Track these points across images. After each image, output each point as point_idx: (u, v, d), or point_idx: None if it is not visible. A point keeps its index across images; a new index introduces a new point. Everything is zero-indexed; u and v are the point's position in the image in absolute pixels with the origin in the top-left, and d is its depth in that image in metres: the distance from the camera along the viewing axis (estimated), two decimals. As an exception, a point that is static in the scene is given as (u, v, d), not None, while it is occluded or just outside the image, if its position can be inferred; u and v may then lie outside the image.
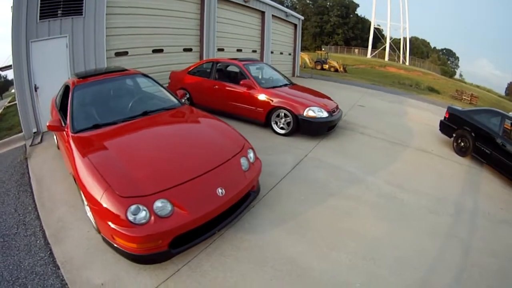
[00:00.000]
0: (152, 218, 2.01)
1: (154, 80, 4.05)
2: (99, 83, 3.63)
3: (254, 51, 12.11)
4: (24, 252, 2.49)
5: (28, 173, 3.94)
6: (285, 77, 6.39)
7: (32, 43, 4.94)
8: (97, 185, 2.13)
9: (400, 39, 48.08)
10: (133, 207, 1.99)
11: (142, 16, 6.71)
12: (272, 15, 12.57)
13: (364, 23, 53.49)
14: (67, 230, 2.73)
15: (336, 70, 25.44)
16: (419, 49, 53.22)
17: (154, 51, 7.24)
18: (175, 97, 3.86)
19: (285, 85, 5.84)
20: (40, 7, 4.88)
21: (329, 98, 5.78)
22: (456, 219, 3.15)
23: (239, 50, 10.95)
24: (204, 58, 8.53)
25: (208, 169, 2.42)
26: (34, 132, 5.25)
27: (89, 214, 2.58)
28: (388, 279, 2.17)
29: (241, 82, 5.35)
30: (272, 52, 13.24)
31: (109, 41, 5.96)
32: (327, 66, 25.95)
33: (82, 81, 3.50)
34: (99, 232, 2.42)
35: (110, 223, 2.01)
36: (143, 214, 1.99)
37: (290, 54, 15.89)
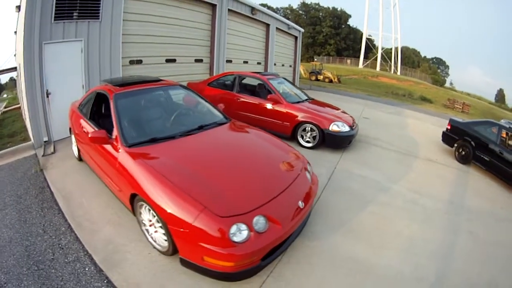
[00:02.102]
0: (252, 235, 2.00)
1: (194, 93, 3.93)
2: (141, 93, 3.45)
3: (259, 63, 12.21)
4: (72, 282, 2.21)
5: (49, 187, 3.68)
6: (301, 90, 6.59)
7: (45, 45, 4.65)
8: (188, 206, 2.02)
9: (391, 49, 49.51)
10: (234, 227, 1.96)
11: (156, 24, 6.62)
12: (276, 28, 12.74)
13: (355, 34, 55.04)
14: (122, 253, 2.51)
15: (331, 81, 25.84)
16: (410, 58, 54.95)
17: (167, 60, 7.15)
18: (219, 111, 3.74)
19: (306, 100, 6.08)
20: (56, 7, 4.61)
21: (345, 112, 6.05)
22: (468, 218, 3.72)
23: (245, 62, 11.01)
24: (214, 70, 8.57)
25: (288, 184, 2.51)
26: (45, 141, 4.95)
27: (155, 235, 2.44)
28: (429, 267, 2.68)
29: (268, 97, 5.52)
30: (275, 64, 13.38)
31: (124, 48, 5.82)
32: (321, 77, 26.29)
33: (121, 89, 3.26)
34: (169, 254, 2.34)
35: (204, 244, 1.93)
36: (244, 232, 1.98)
37: (290, 66, 16.10)
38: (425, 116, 12.67)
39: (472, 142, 5.86)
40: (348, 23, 55.81)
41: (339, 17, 53.77)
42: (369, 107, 12.42)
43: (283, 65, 14.93)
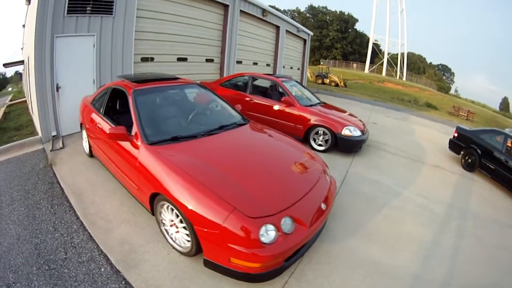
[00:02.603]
0: (280, 236, 1.99)
1: (212, 92, 3.86)
2: (161, 90, 3.36)
3: (268, 65, 12.16)
4: (87, 283, 2.11)
5: (58, 183, 3.59)
6: (313, 94, 6.57)
7: (57, 38, 4.58)
8: (217, 207, 1.99)
9: (397, 54, 49.24)
10: (263, 228, 1.95)
11: (169, 22, 6.56)
12: (286, 30, 12.69)
13: (362, 38, 54.93)
14: (140, 253, 2.42)
15: (337, 85, 25.68)
16: (416, 64, 54.80)
17: (179, 59, 7.09)
18: (237, 112, 3.68)
19: (318, 103, 6.06)
20: (69, 0, 4.56)
21: (354, 116, 6.07)
22: (474, 224, 3.85)
23: (255, 64, 10.96)
24: (225, 70, 8.52)
25: (311, 186, 2.53)
26: (54, 136, 4.89)
27: (176, 235, 2.40)
28: (440, 269, 2.80)
29: (282, 99, 5.51)
30: (283, 67, 13.32)
31: (136, 45, 5.75)
32: (328, 80, 26.14)
33: (140, 86, 3.18)
34: (191, 255, 2.31)
35: (232, 245, 1.91)
36: (273, 233, 1.97)
37: (298, 69, 16.04)
38: (431, 123, 12.67)
39: (478, 150, 5.91)
40: (355, 27, 55.89)
41: (346, 21, 53.74)
42: (376, 112, 12.39)
43: (291, 68, 14.86)
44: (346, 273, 2.50)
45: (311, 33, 16.66)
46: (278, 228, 2.00)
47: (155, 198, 2.42)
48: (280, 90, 5.70)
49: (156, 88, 3.32)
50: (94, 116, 3.63)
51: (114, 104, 3.72)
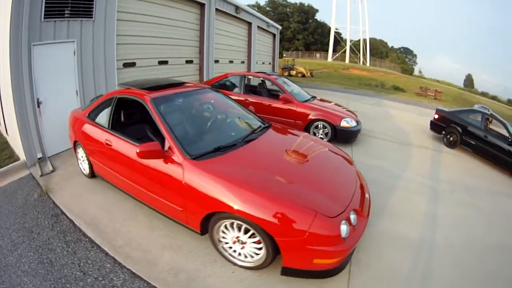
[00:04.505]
0: (351, 229, 2.12)
1: (225, 95, 3.71)
2: (179, 97, 3.10)
3: (242, 62, 12.12)
4: None
5: (64, 214, 3.14)
6: (302, 88, 6.74)
7: (34, 46, 4.06)
8: (300, 214, 2.00)
9: (359, 41, 51.30)
10: (342, 224, 2.06)
11: (148, 24, 6.21)
12: (257, 26, 12.71)
13: (323, 28, 56.56)
14: (201, 279, 2.23)
15: (303, 76, 26.18)
16: (378, 49, 57.41)
17: (160, 62, 6.77)
18: (254, 114, 3.58)
19: (312, 98, 6.26)
20: (45, 3, 4.04)
21: (344, 107, 6.37)
22: (469, 194, 4.36)
23: (231, 62, 10.85)
24: (204, 70, 8.33)
25: (356, 179, 2.71)
26: (39, 158, 4.36)
27: (242, 251, 2.31)
28: (454, 236, 3.20)
29: (280, 97, 5.68)
30: (256, 62, 13.34)
31: (117, 50, 5.36)
32: (294, 72, 26.59)
33: (155, 93, 2.89)
34: (264, 267, 2.27)
35: (317, 247, 1.96)
36: (347, 228, 2.09)
37: (270, 63, 16.16)
38: (403, 106, 13.57)
39: (459, 128, 6.52)
40: (315, 17, 57.31)
41: (307, 12, 54.91)
42: (351, 100, 12.89)
43: (263, 63, 14.94)
44: (389, 251, 2.76)
45: (280, 27, 16.84)
46: (349, 223, 2.13)
47: (211, 218, 2.28)
48: (269, 87, 5.85)
49: (174, 95, 3.06)
50: (96, 131, 3.27)
51: (122, 116, 3.42)
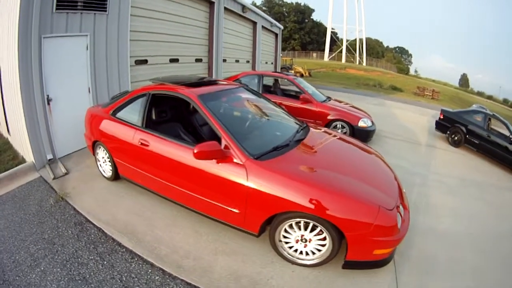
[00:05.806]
0: (402, 219, 2.26)
1: (260, 94, 3.65)
2: (223, 95, 3.02)
3: (247, 62, 12.02)
4: None
5: (91, 222, 2.84)
6: (317, 89, 6.74)
7: (45, 39, 3.79)
8: (366, 208, 2.08)
9: (355, 40, 51.67)
10: (397, 215, 2.19)
11: (160, 21, 6.02)
12: (261, 26, 12.64)
13: (319, 27, 56.81)
14: (264, 283, 2.18)
15: (302, 75, 26.14)
16: (374, 49, 58.04)
17: (171, 60, 6.59)
18: (289, 114, 3.53)
19: (328, 99, 6.34)
20: None
21: (361, 109, 6.45)
22: (478, 189, 4.66)
23: (237, 61, 10.73)
24: (213, 69, 8.22)
25: (394, 175, 2.87)
26: (50, 159, 4.11)
27: (300, 250, 2.33)
28: (471, 225, 3.52)
29: (301, 97, 5.80)
30: (260, 62, 13.25)
31: (130, 47, 5.13)
32: (293, 71, 26.54)
33: (199, 90, 2.78)
34: (326, 262, 2.32)
35: (379, 238, 2.07)
36: (400, 218, 2.22)
37: (272, 63, 16.08)
38: (404, 105, 13.77)
39: (463, 128, 6.82)
40: (311, 17, 57.42)
41: (303, 12, 55.04)
42: (354, 100, 12.87)
43: (266, 63, 14.85)
44: (422, 241, 2.94)
45: (282, 27, 16.76)
46: (400, 214, 2.26)
47: (273, 219, 2.25)
48: (283, 87, 5.89)
49: (217, 92, 2.95)
50: (126, 130, 3.06)
51: (155, 113, 3.22)
